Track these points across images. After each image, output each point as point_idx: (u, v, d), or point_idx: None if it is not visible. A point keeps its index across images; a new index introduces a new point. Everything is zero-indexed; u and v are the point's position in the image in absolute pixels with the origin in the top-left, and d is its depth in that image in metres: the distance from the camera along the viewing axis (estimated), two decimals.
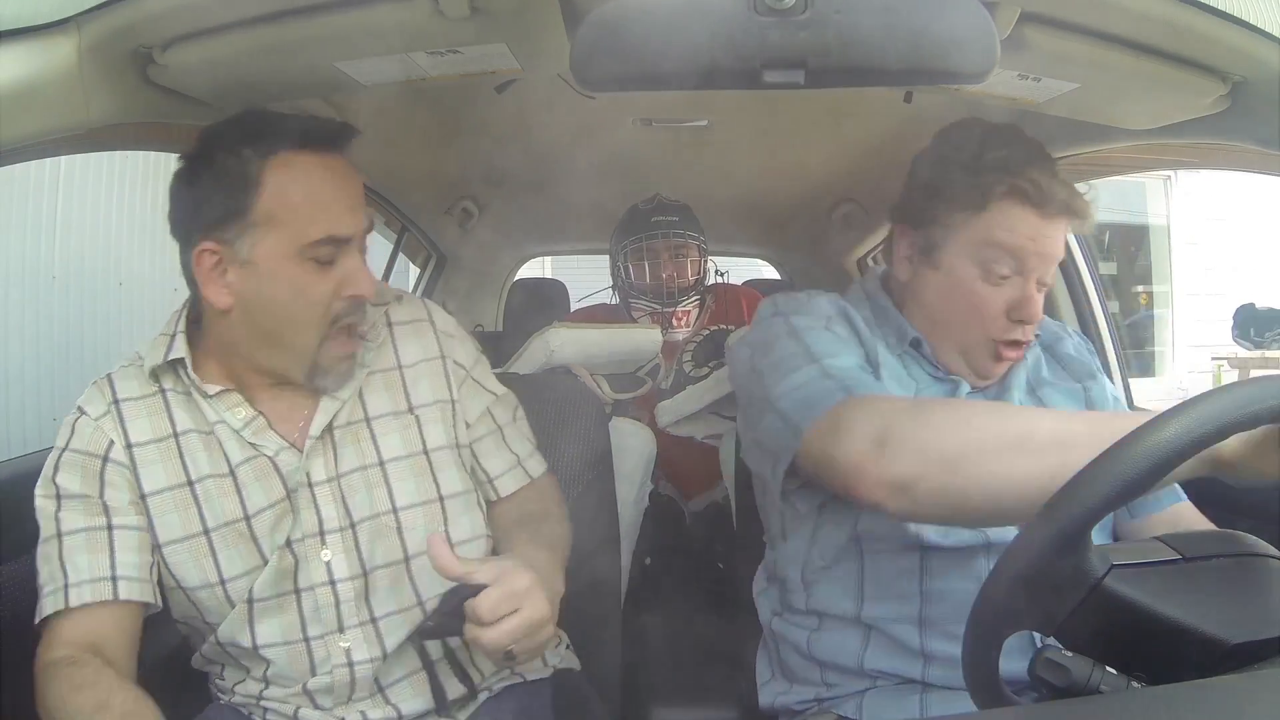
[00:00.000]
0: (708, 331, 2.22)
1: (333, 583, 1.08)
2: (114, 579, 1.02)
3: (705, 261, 2.37)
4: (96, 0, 0.88)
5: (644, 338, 2.08)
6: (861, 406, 0.98)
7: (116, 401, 1.08)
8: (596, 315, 2.51)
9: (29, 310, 3.47)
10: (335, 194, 1.05)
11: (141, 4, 0.91)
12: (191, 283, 1.06)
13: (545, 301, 2.97)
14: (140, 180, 3.90)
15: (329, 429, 1.11)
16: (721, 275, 2.57)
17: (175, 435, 1.08)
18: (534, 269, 4.08)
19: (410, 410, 1.16)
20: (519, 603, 0.93)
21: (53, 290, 3.58)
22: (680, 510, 2.24)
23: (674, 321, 2.30)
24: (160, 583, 1.07)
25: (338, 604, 1.08)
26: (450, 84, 1.25)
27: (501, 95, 1.50)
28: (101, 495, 1.05)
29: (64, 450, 1.06)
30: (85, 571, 1.02)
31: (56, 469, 1.05)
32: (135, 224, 3.87)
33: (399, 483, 1.13)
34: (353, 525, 1.10)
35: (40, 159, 1.05)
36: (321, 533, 1.08)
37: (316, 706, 1.10)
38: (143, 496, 1.06)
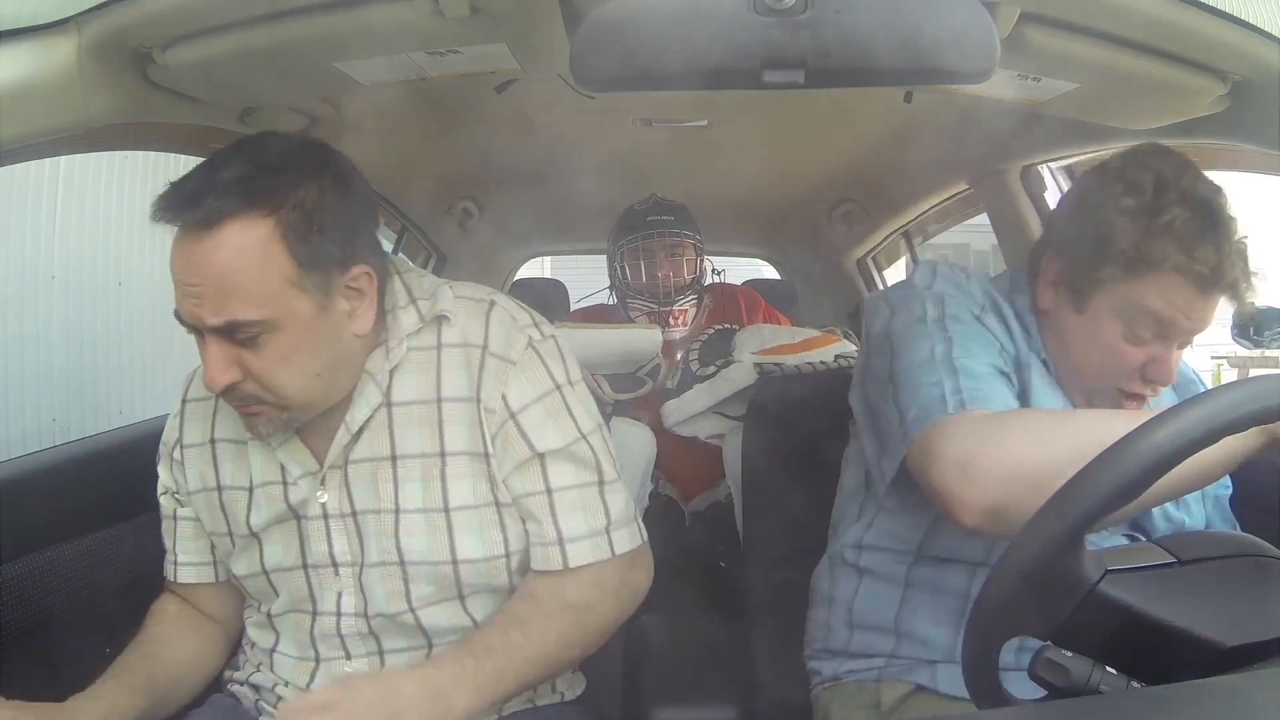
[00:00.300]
0: (712, 330, 2.22)
1: (339, 615, 1.07)
2: (176, 564, 1.15)
3: (701, 260, 2.37)
4: (96, 0, 0.88)
5: (645, 338, 2.08)
6: (953, 429, 0.95)
7: (185, 401, 1.14)
8: (596, 315, 2.51)
9: (28, 310, 3.47)
10: (177, 278, 0.93)
11: (141, 4, 0.91)
12: None
13: (545, 301, 2.97)
14: (140, 180, 3.89)
15: (345, 460, 1.05)
16: (719, 275, 2.57)
17: (213, 441, 1.11)
18: (534, 269, 4.08)
19: (441, 454, 1.04)
20: None
21: (52, 290, 3.58)
22: (680, 511, 2.24)
23: (671, 320, 2.30)
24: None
25: (341, 634, 1.07)
26: (450, 84, 1.25)
27: (501, 95, 1.50)
28: (174, 487, 1.14)
29: (161, 441, 1.16)
30: (169, 553, 1.16)
31: (159, 456, 1.16)
32: (135, 224, 3.86)
33: (409, 538, 1.04)
34: (362, 565, 1.06)
35: (40, 159, 1.06)
36: (334, 564, 1.06)
37: None
38: (189, 493, 1.13)
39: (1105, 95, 1.22)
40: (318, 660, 1.08)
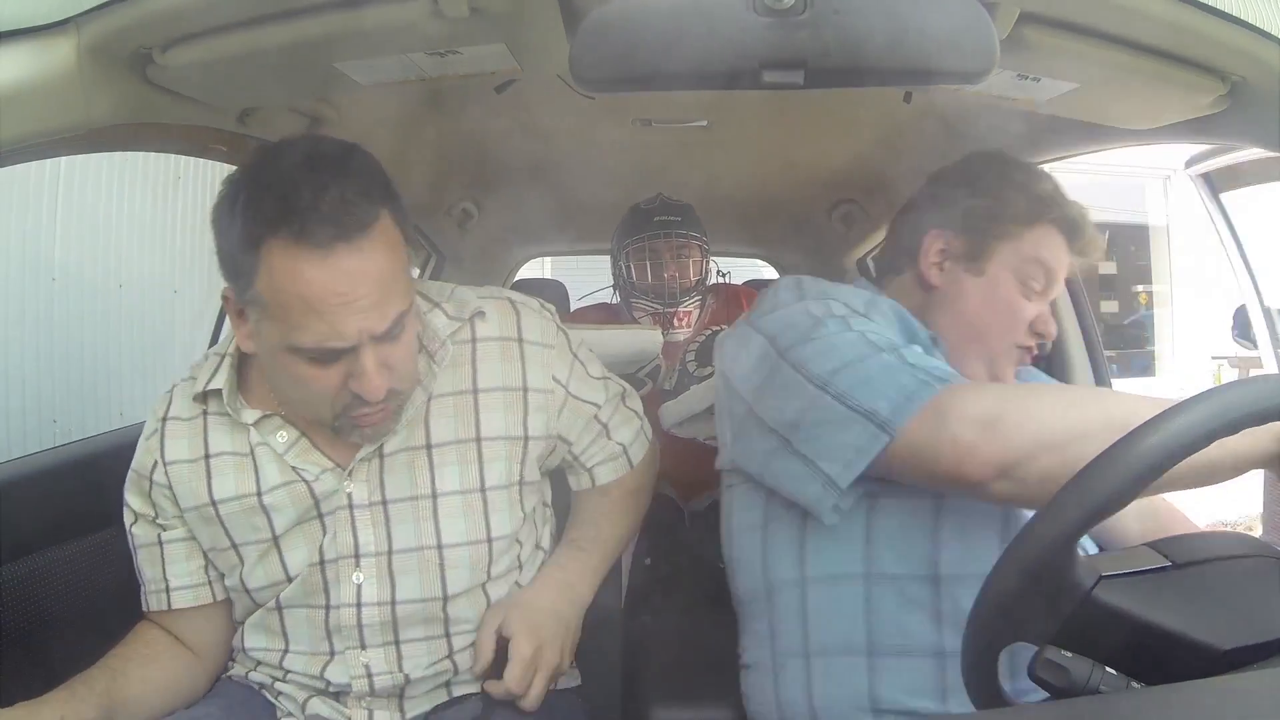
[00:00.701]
0: (710, 331, 2.22)
1: (359, 605, 1.07)
2: (168, 590, 1.12)
3: (707, 261, 2.37)
4: (96, 0, 0.88)
5: (645, 339, 2.08)
6: (968, 390, 0.97)
7: (165, 420, 1.10)
8: (597, 315, 2.51)
9: (29, 311, 3.47)
10: (333, 301, 0.90)
11: (141, 4, 0.91)
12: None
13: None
14: (140, 180, 3.90)
15: (379, 452, 1.07)
16: (723, 275, 2.57)
17: (207, 457, 1.08)
18: (534, 269, 4.08)
19: (476, 440, 1.10)
20: (535, 665, 1.08)
21: (53, 291, 3.58)
22: (679, 510, 2.24)
23: (675, 321, 2.30)
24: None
25: (360, 625, 1.07)
26: (450, 84, 1.25)
27: (501, 96, 1.50)
28: (154, 514, 1.11)
29: (131, 470, 1.12)
30: (152, 583, 1.13)
31: (127, 486, 1.12)
32: (135, 224, 3.86)
33: (449, 519, 1.08)
34: (390, 552, 1.07)
35: (40, 159, 1.06)
36: (356, 555, 1.07)
37: (328, 696, 1.10)
38: (181, 511, 1.10)
39: (1105, 95, 1.22)
40: (332, 653, 1.09)
